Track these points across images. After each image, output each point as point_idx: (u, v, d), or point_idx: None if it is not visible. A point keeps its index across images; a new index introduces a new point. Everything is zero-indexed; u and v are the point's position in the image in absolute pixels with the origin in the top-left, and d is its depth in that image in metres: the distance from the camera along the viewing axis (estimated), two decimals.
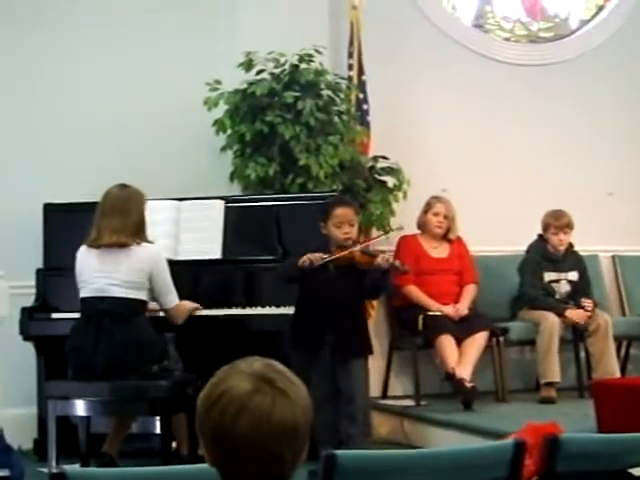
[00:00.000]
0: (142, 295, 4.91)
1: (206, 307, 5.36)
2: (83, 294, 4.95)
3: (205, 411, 1.77)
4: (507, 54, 7.32)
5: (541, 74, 7.33)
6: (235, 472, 1.76)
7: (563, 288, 6.52)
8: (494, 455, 2.84)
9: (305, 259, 4.92)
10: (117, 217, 4.88)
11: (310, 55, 6.08)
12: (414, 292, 6.29)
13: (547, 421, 3.38)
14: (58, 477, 2.32)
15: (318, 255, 4.94)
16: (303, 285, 5.12)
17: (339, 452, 2.60)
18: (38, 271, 5.72)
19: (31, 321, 5.52)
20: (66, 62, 6.18)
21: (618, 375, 6.30)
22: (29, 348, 5.59)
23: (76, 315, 5.05)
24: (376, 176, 6.47)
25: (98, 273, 4.89)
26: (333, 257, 4.96)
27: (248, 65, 6.08)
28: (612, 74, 7.46)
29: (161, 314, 5.12)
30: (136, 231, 4.90)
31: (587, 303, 6.33)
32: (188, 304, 5.22)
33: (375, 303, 5.89)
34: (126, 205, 4.90)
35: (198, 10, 6.41)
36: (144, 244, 4.93)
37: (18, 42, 6.12)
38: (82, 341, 4.87)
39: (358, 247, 5.06)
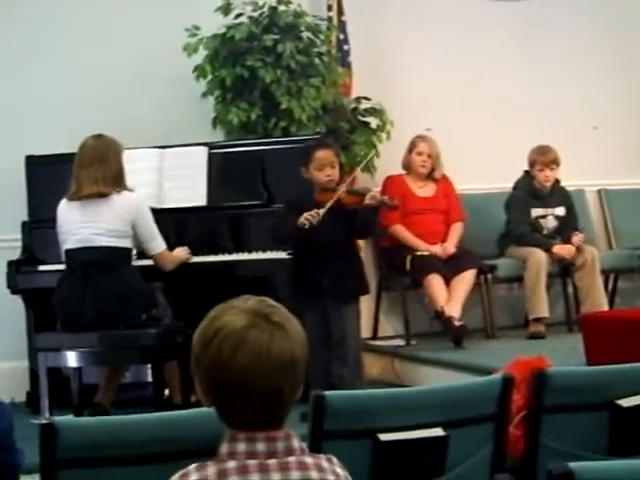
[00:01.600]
0: (126, 243, 4.90)
1: (193, 254, 5.36)
2: (67, 246, 4.94)
3: (201, 349, 1.77)
4: None
5: (523, 8, 7.26)
6: (235, 409, 1.76)
7: (550, 224, 6.53)
8: (482, 391, 2.86)
9: (304, 221, 4.90)
10: (96, 167, 4.85)
11: None
12: (401, 232, 6.29)
13: (534, 356, 3.41)
14: (48, 428, 2.33)
15: (314, 212, 4.92)
16: (296, 234, 5.11)
17: (328, 393, 2.62)
18: (23, 224, 5.70)
19: (18, 274, 5.51)
20: (44, 10, 6.09)
21: (606, 308, 6.34)
22: (17, 301, 5.59)
23: (63, 267, 5.04)
24: (359, 117, 6.44)
25: (81, 224, 4.87)
26: (327, 207, 4.94)
27: (226, 9, 6.01)
28: (593, 6, 7.40)
29: (149, 263, 5.11)
30: (116, 180, 4.88)
31: (577, 237, 6.33)
32: (180, 252, 5.21)
33: (362, 244, 5.88)
34: (104, 155, 4.87)
35: None
36: (125, 192, 4.91)
37: None
38: (69, 292, 4.87)
39: (343, 188, 5.04)
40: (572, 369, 3.20)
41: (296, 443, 1.77)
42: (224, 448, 1.76)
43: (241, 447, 1.74)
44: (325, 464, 1.78)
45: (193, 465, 1.75)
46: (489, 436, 2.82)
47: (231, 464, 1.73)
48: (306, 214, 4.92)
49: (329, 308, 5.06)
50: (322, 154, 5.07)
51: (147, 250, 5.03)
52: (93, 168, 4.86)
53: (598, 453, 2.88)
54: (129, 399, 5.26)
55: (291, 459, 1.75)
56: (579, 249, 6.35)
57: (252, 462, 1.73)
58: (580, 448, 2.86)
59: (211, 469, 1.73)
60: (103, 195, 4.85)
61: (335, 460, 1.81)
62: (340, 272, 5.04)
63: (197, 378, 1.80)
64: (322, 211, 4.92)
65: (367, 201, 4.98)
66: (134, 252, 5.01)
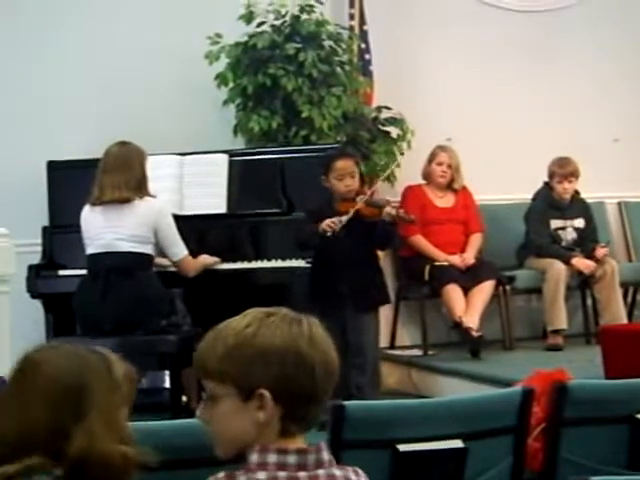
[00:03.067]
0: (148, 249, 4.92)
1: None
2: (89, 251, 4.96)
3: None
4: (513, 2, 7.23)
5: (546, 20, 7.26)
6: (300, 416, 1.77)
7: (569, 235, 6.51)
8: (502, 403, 2.86)
9: (326, 228, 4.92)
10: (119, 173, 4.88)
11: (311, 5, 6.04)
12: (420, 242, 6.29)
13: (554, 368, 3.39)
14: None
15: (337, 219, 4.94)
16: (318, 242, 5.12)
17: (347, 403, 2.62)
18: (44, 229, 5.72)
19: (38, 279, 5.53)
20: (67, 19, 6.13)
21: (625, 321, 6.31)
22: (37, 306, 5.60)
23: (83, 272, 5.06)
24: (380, 127, 6.44)
25: (104, 229, 4.89)
26: (349, 216, 4.95)
27: (249, 17, 6.03)
28: (615, 19, 7.38)
29: (170, 269, 5.13)
30: (138, 186, 4.90)
31: (602, 251, 6.29)
32: (207, 258, 5.22)
33: (381, 254, 5.89)
34: (128, 161, 4.89)
35: None
36: (147, 198, 4.93)
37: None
38: (89, 297, 4.88)
39: (362, 199, 5.05)
40: (593, 382, 3.19)
41: (326, 456, 1.77)
42: (254, 458, 1.75)
43: (272, 458, 1.74)
44: (352, 476, 1.78)
45: (222, 473, 1.75)
46: (508, 448, 2.82)
47: (261, 475, 1.72)
48: (328, 221, 4.93)
49: (348, 317, 5.06)
50: (342, 164, 5.08)
51: (169, 256, 5.05)
52: (116, 174, 4.88)
53: (617, 467, 2.87)
54: (146, 404, 5.26)
55: (320, 472, 1.75)
56: (599, 261, 6.32)
57: (282, 474, 1.73)
58: (599, 462, 2.85)
59: (242, 479, 1.73)
60: (125, 200, 4.87)
61: (361, 472, 1.81)
62: (360, 281, 5.05)
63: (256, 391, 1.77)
64: (344, 219, 4.93)
65: (384, 217, 5.00)
66: (155, 260, 5.03)
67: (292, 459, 1.74)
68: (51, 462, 1.71)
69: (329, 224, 4.92)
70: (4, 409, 1.77)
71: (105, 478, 1.73)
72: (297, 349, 1.75)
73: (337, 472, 1.76)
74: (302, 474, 1.73)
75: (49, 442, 1.73)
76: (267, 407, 1.74)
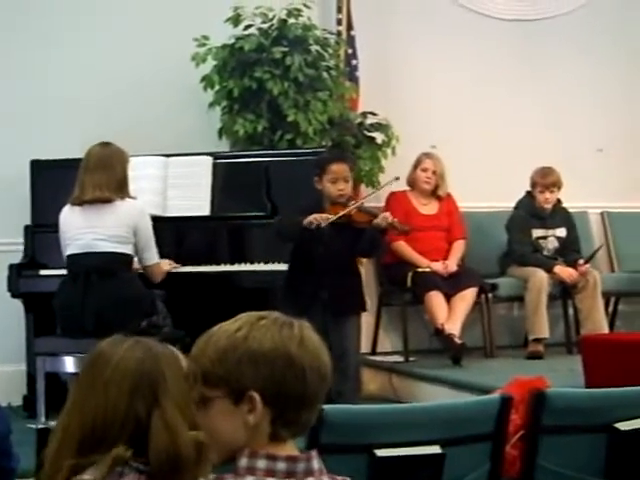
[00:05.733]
0: (128, 249, 4.90)
1: (195, 263, 5.36)
2: (69, 251, 4.93)
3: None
4: (499, 9, 7.25)
5: (533, 30, 7.28)
6: (291, 420, 1.77)
7: (551, 244, 6.53)
8: (481, 410, 2.86)
9: (312, 220, 4.89)
10: (100, 173, 4.86)
11: (298, 10, 6.04)
12: (403, 248, 6.29)
13: (534, 376, 3.40)
14: (44, 432, 2.33)
15: (325, 215, 4.92)
16: (297, 243, 5.10)
17: (326, 407, 2.61)
18: (26, 228, 5.70)
19: (19, 278, 5.50)
20: (52, 19, 6.11)
21: (606, 331, 6.32)
22: (18, 305, 5.58)
23: (65, 272, 5.04)
24: (365, 132, 6.45)
25: (83, 229, 4.87)
26: (338, 215, 4.94)
27: (236, 20, 6.03)
28: (602, 30, 7.41)
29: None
30: (119, 187, 4.88)
31: (583, 268, 6.30)
32: (164, 264, 5.20)
33: (364, 260, 5.90)
34: (109, 161, 4.88)
35: None
36: (128, 199, 4.91)
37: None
38: (70, 297, 4.86)
39: (355, 204, 5.04)
40: (571, 391, 3.19)
41: (316, 464, 1.76)
42: (243, 462, 1.74)
43: (261, 464, 1.73)
44: None
45: (212, 476, 1.75)
46: (486, 455, 2.82)
47: (249, 479, 1.72)
48: (315, 215, 4.90)
49: (328, 322, 5.05)
50: (337, 167, 5.06)
51: (141, 260, 5.01)
52: (98, 174, 4.86)
53: (595, 476, 2.88)
54: None
55: None
56: (583, 273, 6.33)
57: None
58: (577, 470, 2.86)
59: None
60: (106, 200, 4.85)
61: None
62: (341, 287, 5.03)
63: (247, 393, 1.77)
64: (332, 217, 4.91)
65: (377, 221, 4.98)
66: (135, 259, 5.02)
67: (281, 466, 1.73)
68: (132, 452, 1.74)
69: (316, 217, 4.89)
70: (85, 401, 1.79)
71: (182, 465, 1.74)
72: (287, 352, 1.75)
73: None
74: None
75: (130, 431, 1.75)
76: (257, 410, 1.74)
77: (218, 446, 1.79)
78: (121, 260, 4.88)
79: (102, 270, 4.83)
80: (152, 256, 5.01)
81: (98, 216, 4.86)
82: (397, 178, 5.54)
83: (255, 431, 1.75)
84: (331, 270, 5.00)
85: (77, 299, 4.82)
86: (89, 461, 1.72)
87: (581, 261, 6.32)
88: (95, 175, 4.86)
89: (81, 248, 4.88)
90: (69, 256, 4.94)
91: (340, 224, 4.97)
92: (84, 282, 4.83)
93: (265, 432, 1.76)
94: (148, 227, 4.96)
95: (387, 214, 5.10)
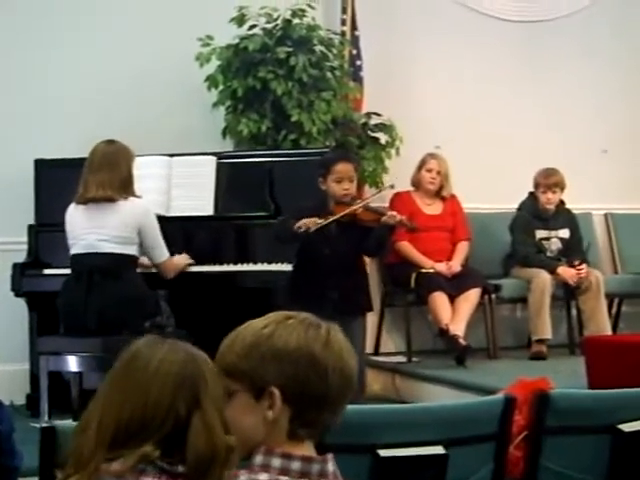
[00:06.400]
0: (131, 250, 4.90)
1: (198, 263, 5.35)
2: (73, 251, 4.94)
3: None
4: (503, 10, 7.26)
5: (536, 31, 7.29)
6: (310, 421, 1.78)
7: (554, 245, 6.52)
8: (484, 410, 2.85)
9: (301, 224, 4.88)
10: (105, 171, 4.86)
11: (303, 10, 6.04)
12: (407, 249, 6.28)
13: (537, 377, 3.39)
14: (48, 431, 2.32)
15: (313, 220, 4.89)
16: (303, 242, 5.10)
17: None
18: (30, 227, 5.70)
19: (23, 277, 5.50)
20: (56, 19, 6.11)
21: (609, 333, 6.32)
22: (21, 304, 5.58)
23: (68, 271, 5.04)
24: (369, 133, 6.45)
25: (87, 229, 4.88)
26: (328, 221, 4.92)
27: (240, 20, 6.03)
28: (605, 31, 7.41)
29: (154, 270, 5.12)
30: (123, 186, 4.88)
31: (579, 267, 6.30)
32: (180, 259, 5.22)
33: (367, 259, 5.90)
34: (114, 160, 4.88)
35: None
36: (131, 198, 4.91)
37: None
38: (73, 297, 4.87)
39: (360, 204, 5.04)
40: (575, 392, 3.19)
41: (331, 467, 1.77)
42: (258, 459, 1.76)
43: (276, 462, 1.74)
44: None
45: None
46: (489, 456, 2.81)
47: (263, 477, 1.73)
48: (304, 220, 4.89)
49: (335, 322, 5.03)
50: (342, 167, 5.06)
51: (152, 258, 5.03)
52: (102, 172, 4.86)
53: (598, 477, 2.87)
54: None
55: None
56: (584, 275, 6.32)
57: (284, 479, 1.73)
58: (580, 471, 2.85)
59: (242, 478, 1.73)
60: (109, 200, 4.85)
61: None
62: (350, 287, 5.03)
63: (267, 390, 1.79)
64: (322, 221, 4.90)
65: (385, 219, 4.98)
66: (142, 260, 5.02)
67: (296, 465, 1.74)
68: (160, 452, 1.73)
69: (305, 222, 4.89)
70: (123, 398, 1.78)
71: (215, 466, 1.74)
72: (311, 352, 1.78)
73: None
74: None
75: (166, 430, 1.75)
76: (276, 406, 1.76)
77: (240, 441, 1.80)
78: (124, 261, 4.88)
79: (105, 270, 4.83)
80: (161, 253, 5.02)
81: (102, 216, 4.86)
82: (392, 186, 5.56)
83: (273, 428, 1.77)
84: (338, 270, 5.00)
85: (80, 299, 4.82)
86: (118, 455, 1.73)
87: (576, 262, 6.31)
88: (99, 174, 4.86)
89: (84, 248, 4.88)
90: (73, 255, 4.94)
91: (346, 223, 4.97)
92: (87, 282, 4.83)
93: (283, 430, 1.77)
94: (153, 225, 4.96)
95: (395, 212, 5.11)
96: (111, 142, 4.95)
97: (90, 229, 4.87)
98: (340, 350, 1.80)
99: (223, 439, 1.75)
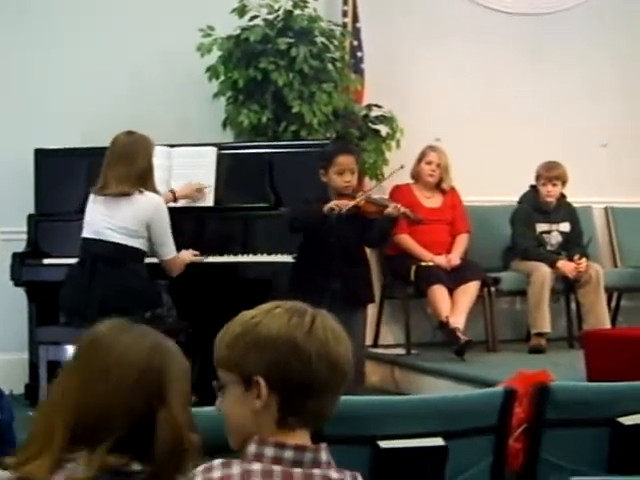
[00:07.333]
0: (137, 243, 4.89)
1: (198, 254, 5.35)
2: (83, 234, 4.97)
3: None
4: (503, 3, 7.24)
5: (536, 23, 7.27)
6: (298, 409, 1.78)
7: (554, 239, 6.52)
8: (484, 402, 2.86)
9: (333, 206, 4.89)
10: (123, 165, 4.86)
11: (304, 1, 6.04)
12: (407, 241, 6.28)
13: (537, 370, 3.40)
14: None
15: (344, 202, 4.91)
16: (307, 233, 5.09)
17: None
18: (30, 217, 5.70)
19: (22, 267, 5.50)
20: (57, 10, 6.10)
21: (608, 326, 6.32)
22: (20, 294, 5.59)
23: (68, 260, 5.05)
24: (370, 124, 6.44)
25: (100, 216, 4.91)
26: (356, 201, 4.93)
27: (241, 11, 6.02)
28: (606, 24, 7.40)
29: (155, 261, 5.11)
30: (140, 179, 4.87)
31: (579, 262, 6.29)
32: (185, 255, 5.18)
33: (367, 251, 5.90)
34: (132, 152, 4.87)
35: None
36: (147, 193, 4.90)
37: None
38: (77, 283, 4.88)
39: (363, 195, 5.04)
40: (574, 384, 3.20)
41: (324, 456, 1.77)
42: (252, 449, 1.76)
43: (269, 452, 1.74)
44: None
45: (218, 461, 1.75)
46: (489, 448, 2.82)
47: (256, 466, 1.73)
48: (336, 201, 4.91)
49: (336, 313, 5.02)
50: (344, 159, 5.06)
51: (158, 254, 5.01)
52: (120, 166, 4.86)
53: (597, 469, 2.88)
54: None
55: (316, 471, 1.75)
56: (584, 269, 6.32)
57: (277, 468, 1.73)
58: (579, 464, 2.85)
59: (235, 468, 1.73)
60: (125, 194, 4.85)
61: (360, 477, 1.81)
62: (352, 278, 5.03)
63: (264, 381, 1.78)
64: (351, 203, 4.91)
65: (389, 210, 4.98)
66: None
67: (289, 454, 1.74)
68: (116, 457, 1.67)
69: (337, 203, 4.90)
70: (83, 384, 1.72)
71: (179, 464, 1.71)
72: (292, 339, 1.77)
73: (334, 475, 1.76)
74: (297, 470, 1.73)
75: (124, 425, 1.68)
76: (262, 395, 1.76)
77: (234, 432, 1.81)
78: (127, 252, 4.87)
79: (108, 259, 4.85)
80: (168, 251, 5.01)
81: (116, 207, 4.88)
82: (402, 167, 5.54)
83: (262, 417, 1.77)
84: (340, 260, 4.99)
85: (83, 286, 4.84)
86: (77, 450, 1.67)
87: (576, 257, 6.31)
88: (117, 167, 4.86)
89: (92, 233, 4.91)
90: (83, 239, 4.96)
91: (349, 215, 4.97)
92: (90, 269, 4.86)
93: (272, 419, 1.77)
94: (163, 222, 4.95)
95: (398, 204, 5.11)
96: (130, 133, 4.94)
97: (102, 216, 4.90)
98: (325, 336, 1.79)
99: (190, 436, 1.72)
